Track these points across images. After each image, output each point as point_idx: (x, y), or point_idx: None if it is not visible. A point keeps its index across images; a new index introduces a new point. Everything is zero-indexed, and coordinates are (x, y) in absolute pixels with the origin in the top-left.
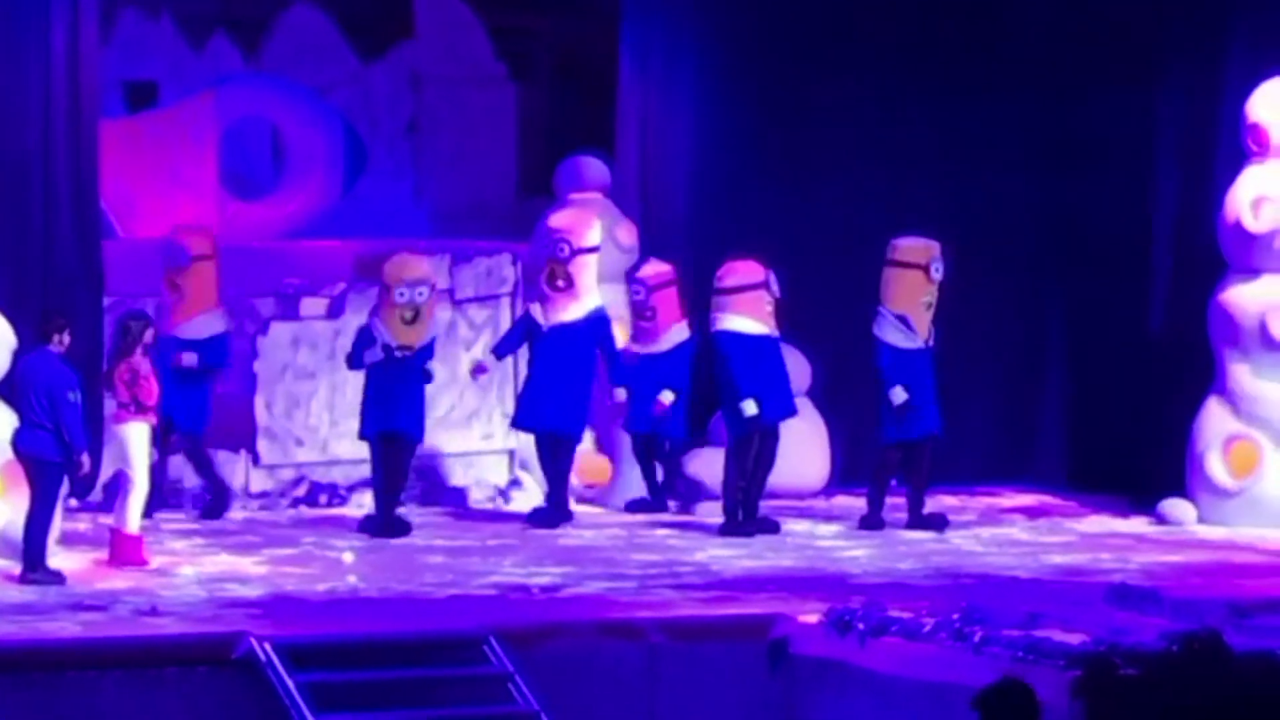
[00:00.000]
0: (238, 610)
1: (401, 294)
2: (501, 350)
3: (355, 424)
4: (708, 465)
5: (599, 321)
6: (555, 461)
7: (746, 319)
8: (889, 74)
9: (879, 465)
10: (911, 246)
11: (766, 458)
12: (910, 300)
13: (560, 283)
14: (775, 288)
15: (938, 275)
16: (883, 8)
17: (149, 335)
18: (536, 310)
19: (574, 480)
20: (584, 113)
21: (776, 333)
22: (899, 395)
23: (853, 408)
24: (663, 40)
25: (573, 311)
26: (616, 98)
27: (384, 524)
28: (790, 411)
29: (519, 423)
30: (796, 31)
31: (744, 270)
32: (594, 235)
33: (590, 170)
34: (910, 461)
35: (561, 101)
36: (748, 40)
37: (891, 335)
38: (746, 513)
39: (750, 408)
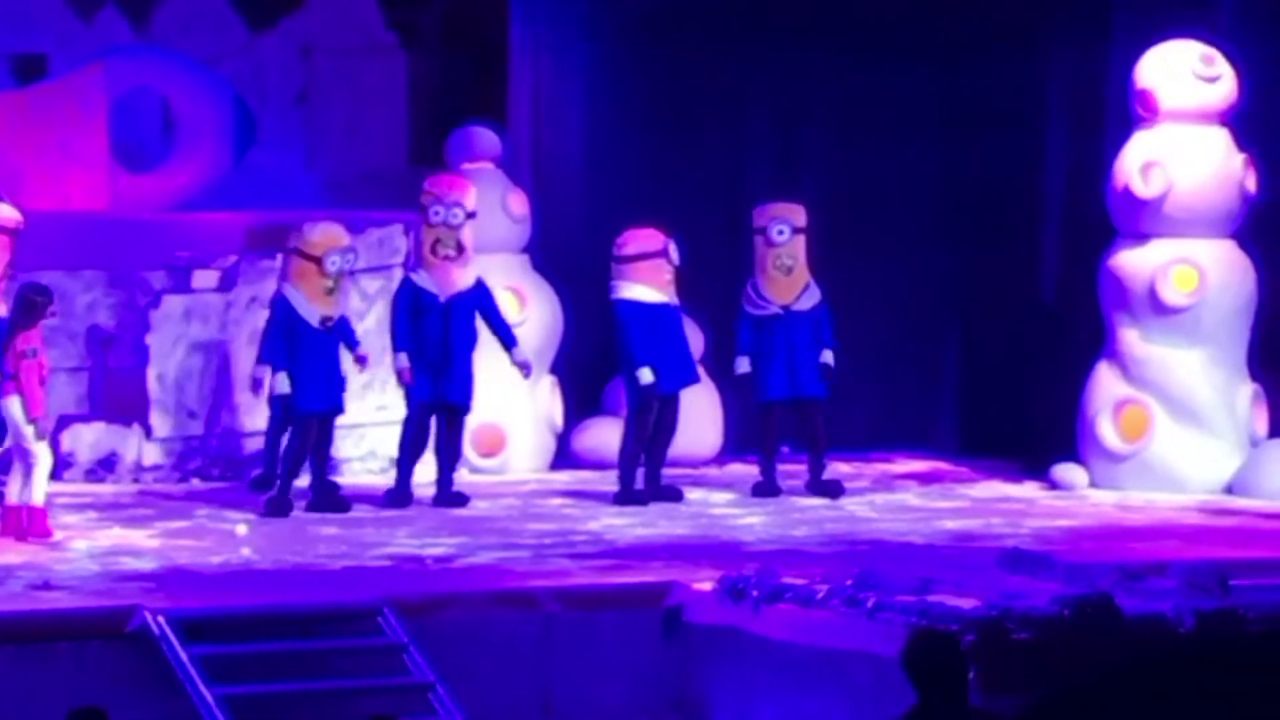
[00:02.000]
0: (131, 584)
1: (333, 262)
2: (403, 338)
3: (247, 396)
4: (601, 434)
5: (484, 289)
6: (454, 434)
7: (645, 287)
8: (780, 41)
9: (762, 430)
10: (760, 211)
11: (667, 426)
12: (760, 267)
13: (452, 251)
14: (675, 256)
15: (780, 238)
16: None
17: (50, 310)
18: (426, 280)
19: (469, 451)
20: (475, 82)
21: (676, 301)
22: (741, 365)
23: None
24: (553, 9)
25: (465, 280)
26: (507, 67)
27: (327, 499)
28: (691, 379)
29: (434, 396)
30: None
31: (643, 238)
32: (474, 199)
33: (481, 140)
34: (800, 427)
35: (452, 71)
36: (638, 8)
37: (745, 303)
38: (648, 481)
39: (646, 375)
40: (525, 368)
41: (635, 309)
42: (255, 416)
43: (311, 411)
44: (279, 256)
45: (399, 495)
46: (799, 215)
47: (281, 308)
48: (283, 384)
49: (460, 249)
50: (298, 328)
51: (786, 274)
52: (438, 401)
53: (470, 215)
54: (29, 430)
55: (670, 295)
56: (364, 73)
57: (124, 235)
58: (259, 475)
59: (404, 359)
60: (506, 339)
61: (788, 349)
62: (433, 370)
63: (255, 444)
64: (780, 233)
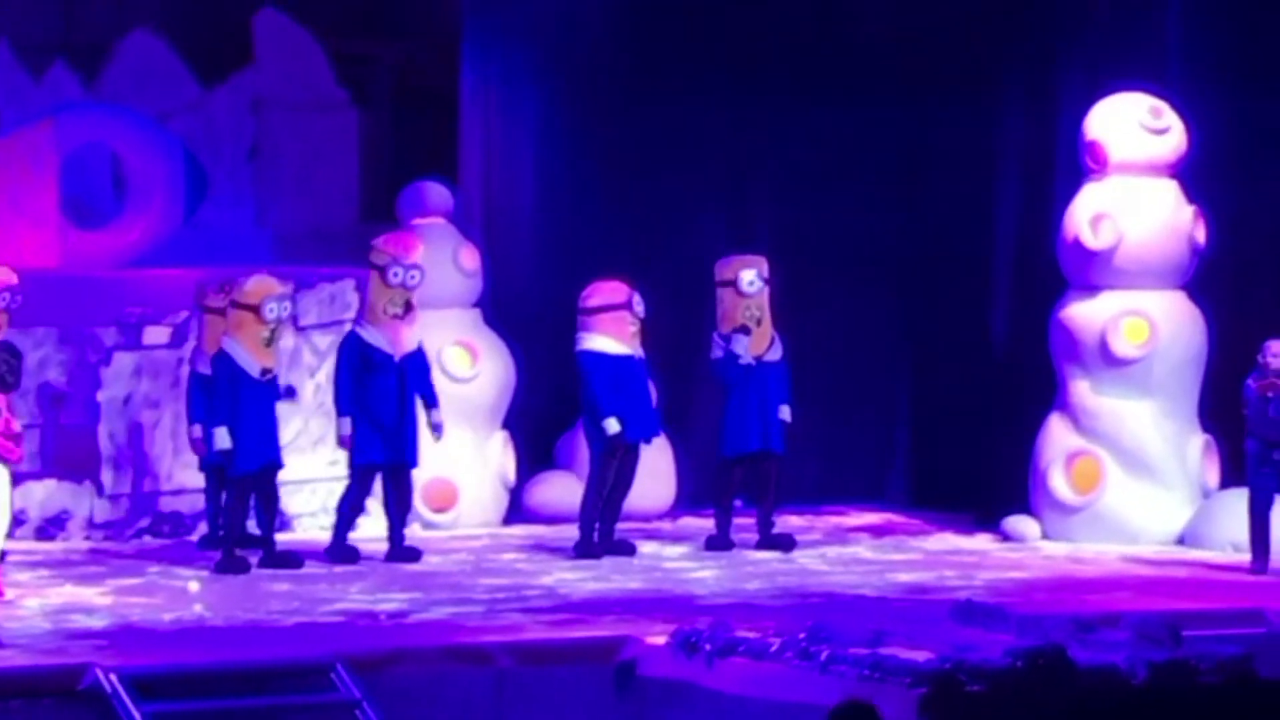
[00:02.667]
0: (83, 641)
1: (271, 309)
2: (349, 401)
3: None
4: (554, 489)
5: (424, 355)
6: (404, 489)
7: (609, 338)
8: (730, 92)
9: (720, 484)
10: (725, 264)
11: (624, 479)
12: (730, 320)
13: (400, 310)
14: (639, 308)
15: (752, 290)
16: (722, 26)
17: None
18: (376, 338)
19: (419, 506)
20: (426, 138)
21: (640, 353)
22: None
23: (699, 429)
24: (503, 65)
25: (415, 338)
26: (458, 122)
27: (278, 555)
28: (654, 431)
29: (393, 458)
30: (636, 53)
31: (608, 290)
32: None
33: (433, 195)
34: (754, 480)
35: (403, 127)
36: (588, 62)
37: (715, 353)
38: (602, 535)
39: (613, 425)
40: (438, 428)
41: (599, 360)
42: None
43: (250, 471)
44: (199, 314)
45: (343, 551)
46: (764, 267)
47: (222, 362)
48: (223, 440)
49: (409, 308)
50: (239, 381)
51: (758, 325)
52: (389, 463)
53: (423, 275)
54: None
55: (634, 348)
56: (315, 128)
57: (75, 292)
58: (205, 535)
59: (348, 424)
60: (431, 399)
61: (760, 402)
62: (387, 430)
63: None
64: (752, 284)
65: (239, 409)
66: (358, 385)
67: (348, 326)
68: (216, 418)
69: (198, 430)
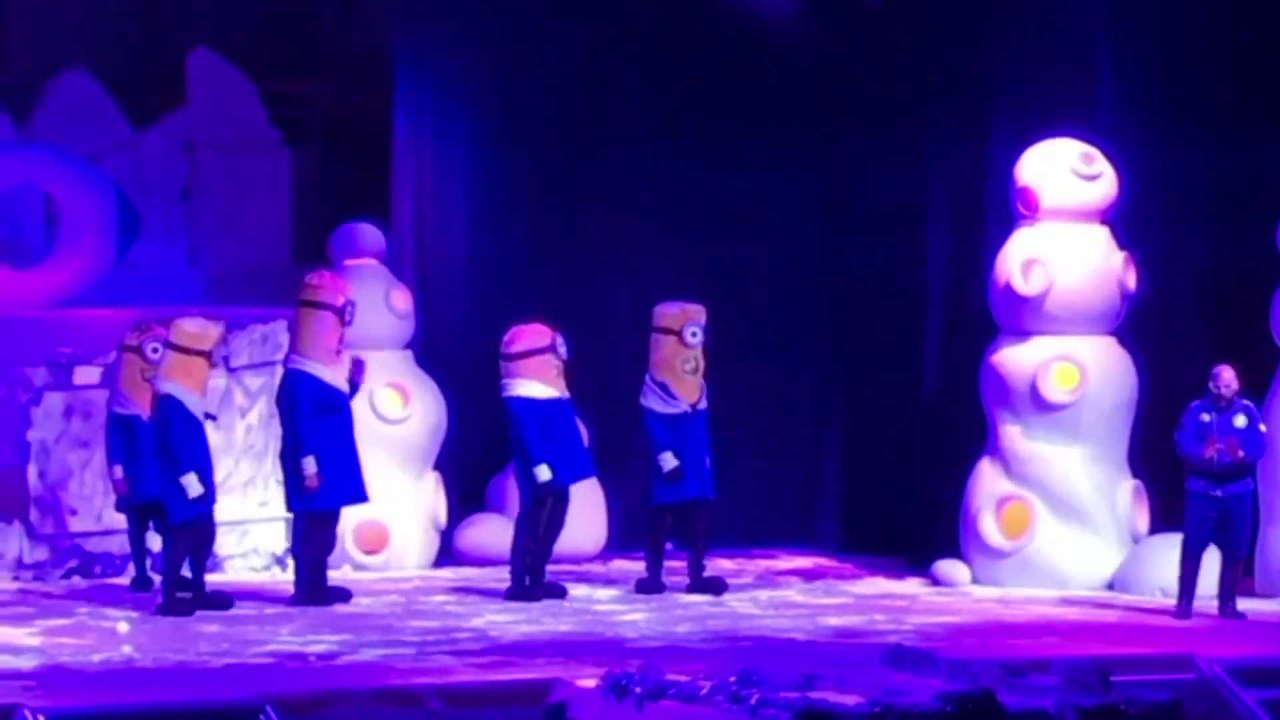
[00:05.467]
0: (12, 682)
1: (218, 353)
2: (314, 437)
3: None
4: (485, 531)
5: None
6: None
7: (536, 383)
8: (660, 139)
9: (652, 528)
10: (667, 312)
11: (556, 522)
12: (669, 366)
13: (343, 348)
14: (562, 350)
15: (694, 340)
16: (652, 70)
17: None
18: (332, 377)
19: (350, 548)
20: (358, 179)
21: (567, 394)
22: (668, 461)
23: (630, 472)
24: (436, 106)
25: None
26: (391, 163)
27: (208, 597)
28: (586, 473)
29: (350, 498)
30: (570, 93)
31: (530, 334)
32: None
33: (365, 236)
34: (685, 524)
35: (336, 167)
36: (520, 106)
37: (654, 402)
38: (533, 578)
39: (544, 473)
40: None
41: (528, 405)
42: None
43: (202, 513)
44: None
45: (336, 592)
46: (702, 316)
47: (171, 406)
48: (195, 487)
49: (343, 344)
50: (190, 424)
51: (694, 374)
52: (353, 502)
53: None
54: None
55: (561, 389)
56: (247, 168)
57: (5, 331)
58: (135, 577)
59: (313, 463)
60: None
61: (695, 449)
62: (346, 471)
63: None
64: (694, 334)
65: (195, 453)
66: (314, 425)
67: (279, 369)
68: (182, 465)
69: (119, 471)
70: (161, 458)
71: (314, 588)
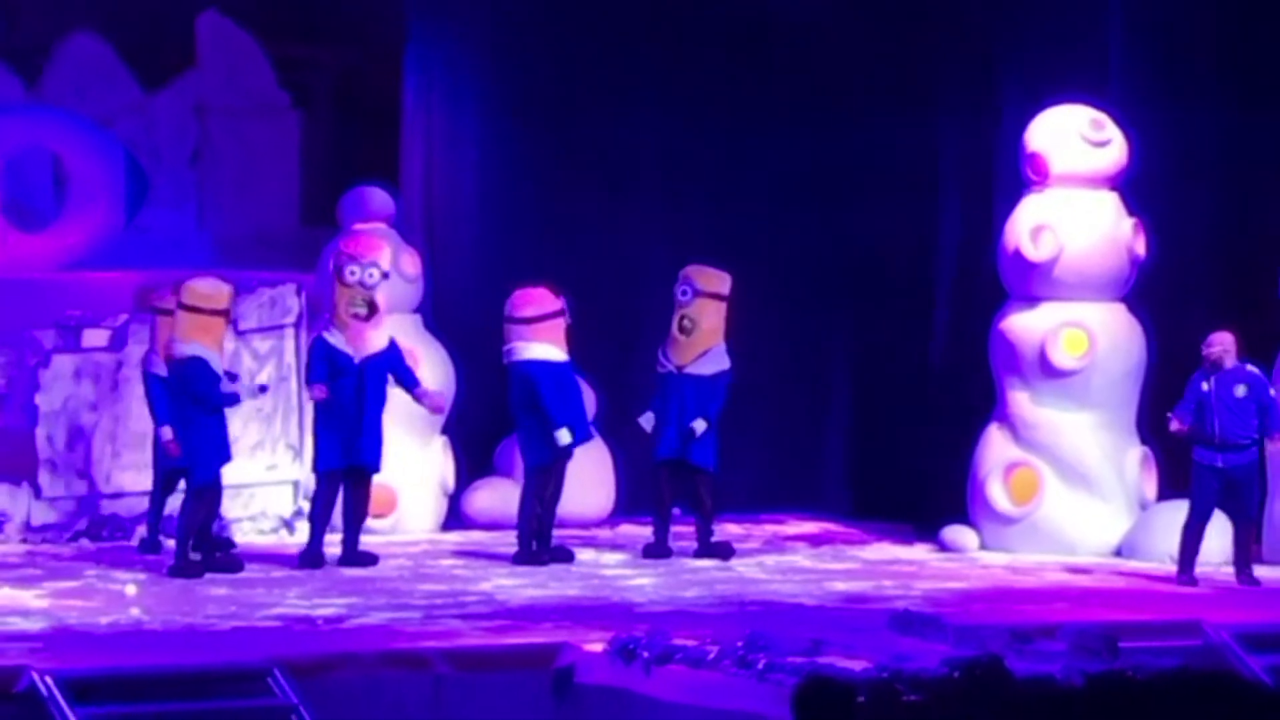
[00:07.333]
0: (19, 644)
1: (233, 309)
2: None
3: (138, 456)
4: (493, 495)
5: (396, 350)
6: (361, 495)
7: (549, 346)
8: (671, 105)
9: (656, 491)
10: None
11: (556, 485)
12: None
13: (363, 311)
14: (567, 314)
15: (684, 299)
16: (664, 39)
17: None
18: (340, 340)
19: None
20: (367, 142)
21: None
22: (645, 421)
23: (638, 436)
24: (445, 69)
25: (378, 342)
26: (400, 127)
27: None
28: (588, 436)
29: (344, 461)
30: (579, 60)
31: (540, 298)
32: (389, 259)
33: (374, 200)
34: (691, 489)
35: (345, 131)
36: (530, 69)
37: (657, 362)
38: (540, 542)
39: (565, 436)
40: (423, 396)
41: (546, 369)
42: (144, 476)
43: (216, 477)
44: (150, 317)
45: (312, 556)
46: (708, 279)
47: (200, 367)
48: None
49: (372, 309)
50: (215, 385)
51: (686, 335)
52: (348, 466)
53: (385, 275)
54: None
55: (566, 353)
56: (257, 132)
57: (14, 295)
58: (145, 539)
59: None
60: (410, 383)
61: (679, 411)
62: (345, 433)
63: (145, 504)
64: (684, 293)
65: (221, 414)
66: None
67: (289, 332)
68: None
69: (169, 432)
70: (187, 418)
71: (310, 549)
